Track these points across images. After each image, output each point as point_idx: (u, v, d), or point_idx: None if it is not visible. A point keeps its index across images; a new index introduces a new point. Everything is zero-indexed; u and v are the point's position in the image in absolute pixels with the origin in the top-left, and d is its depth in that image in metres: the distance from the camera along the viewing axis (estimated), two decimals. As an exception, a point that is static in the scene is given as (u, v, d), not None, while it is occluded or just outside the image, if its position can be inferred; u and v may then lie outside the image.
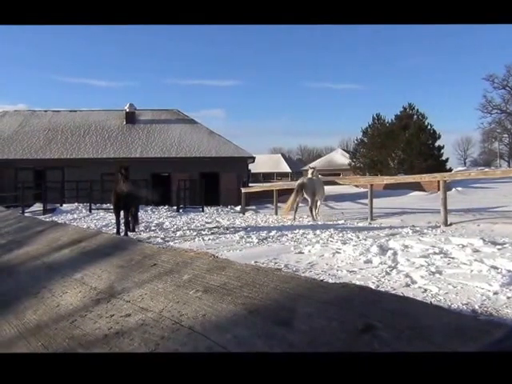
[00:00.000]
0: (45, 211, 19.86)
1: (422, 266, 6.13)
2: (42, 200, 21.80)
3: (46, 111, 33.48)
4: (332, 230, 11.14)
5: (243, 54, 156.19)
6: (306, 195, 15.13)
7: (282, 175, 65.72)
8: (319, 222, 13.21)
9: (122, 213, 12.19)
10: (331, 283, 0.61)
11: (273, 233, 11.25)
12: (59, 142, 29.27)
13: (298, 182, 15.92)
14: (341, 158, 57.04)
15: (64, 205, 22.62)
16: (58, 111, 33.54)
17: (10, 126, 30.66)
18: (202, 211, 21.66)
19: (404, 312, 0.50)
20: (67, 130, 30.52)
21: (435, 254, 6.86)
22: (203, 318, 0.62)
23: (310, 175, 16.35)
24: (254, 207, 22.54)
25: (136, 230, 12.66)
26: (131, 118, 31.44)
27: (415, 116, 38.74)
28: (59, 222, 1.97)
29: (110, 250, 1.19)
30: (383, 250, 7.22)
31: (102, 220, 16.49)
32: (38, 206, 21.32)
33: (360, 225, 12.44)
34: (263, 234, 11.15)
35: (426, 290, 5.02)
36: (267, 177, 62.50)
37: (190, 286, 0.74)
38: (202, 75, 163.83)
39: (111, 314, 0.75)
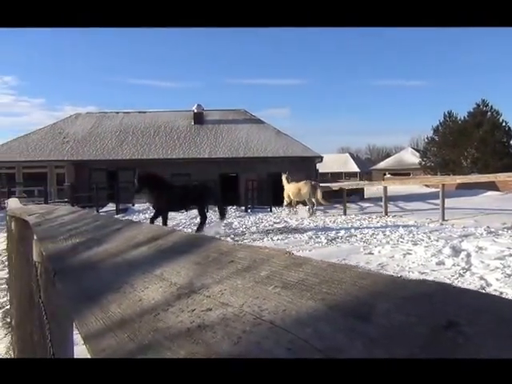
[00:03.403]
0: (117, 211, 20.66)
1: (498, 268, 5.88)
2: (115, 200, 22.66)
3: (117, 113, 34.41)
4: (402, 230, 10.89)
5: (308, 52, 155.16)
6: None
7: (350, 175, 64.69)
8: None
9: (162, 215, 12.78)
10: (408, 280, 0.61)
11: (341, 233, 11.16)
12: (130, 143, 30.19)
13: (310, 183, 18.95)
14: (411, 158, 55.17)
15: (136, 205, 23.40)
16: (128, 113, 34.37)
17: (83, 128, 31.84)
18: (270, 211, 21.73)
19: (486, 308, 0.49)
20: (137, 131, 31.40)
21: (511, 256, 6.56)
22: (283, 313, 0.63)
23: (284, 180, 19.92)
24: (322, 207, 22.36)
25: (202, 229, 12.88)
26: (199, 118, 31.96)
27: (489, 113, 36.94)
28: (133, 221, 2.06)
29: (186, 248, 1.22)
30: (456, 251, 6.99)
31: (173, 220, 16.96)
32: (111, 206, 22.19)
33: (431, 225, 12.06)
34: (332, 234, 11.09)
35: (501, 293, 4.81)
36: (335, 177, 61.71)
37: (268, 282, 0.76)
38: (266, 74, 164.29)
39: (192, 309, 0.77)
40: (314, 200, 18.23)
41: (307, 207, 18.47)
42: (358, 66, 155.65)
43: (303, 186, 18.59)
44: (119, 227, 1.97)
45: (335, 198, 22.86)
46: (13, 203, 7.15)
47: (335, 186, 26.37)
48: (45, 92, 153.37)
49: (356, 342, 0.51)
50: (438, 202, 14.06)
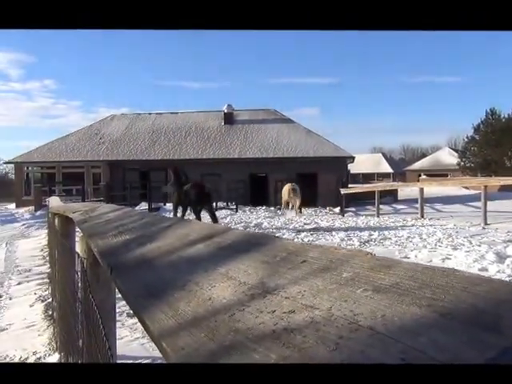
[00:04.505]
0: (150, 210, 20.92)
1: (546, 275, 5.66)
2: (147, 199, 23.06)
3: (149, 114, 34.85)
4: (440, 234, 10.62)
5: (339, 50, 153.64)
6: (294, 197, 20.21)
7: (382, 176, 63.57)
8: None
9: (180, 211, 13.62)
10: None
11: (375, 235, 10.97)
12: (162, 144, 30.57)
13: (289, 185, 20.50)
14: (448, 158, 53.74)
15: (167, 204, 23.64)
16: (161, 113, 34.76)
17: (118, 129, 32.46)
18: (300, 212, 21.65)
19: None
20: (169, 131, 31.77)
21: (561, 263, 6.31)
22: (383, 319, 0.58)
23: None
24: (353, 209, 22.10)
25: None
26: (229, 118, 32.05)
27: (537, 109, 35.63)
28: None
29: (247, 246, 1.19)
30: (500, 257, 6.74)
31: (203, 218, 17.04)
32: (143, 205, 22.55)
33: (472, 229, 11.70)
34: (365, 236, 10.91)
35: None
36: (367, 177, 60.86)
37: (354, 285, 0.71)
38: (295, 73, 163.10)
39: (272, 310, 0.73)
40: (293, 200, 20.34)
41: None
42: (392, 62, 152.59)
43: (286, 188, 20.57)
44: (168, 224, 1.95)
45: (367, 199, 22.59)
46: (54, 201, 7.32)
47: (368, 186, 26.04)
48: (81, 95, 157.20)
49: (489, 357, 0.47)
50: (479, 204, 13.66)
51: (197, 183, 14.34)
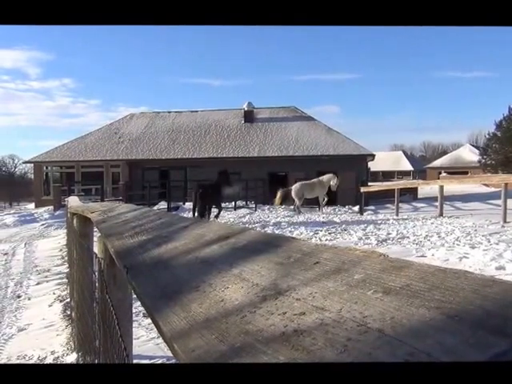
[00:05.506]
0: (169, 209, 21.02)
1: None
2: (167, 199, 23.14)
3: (169, 112, 34.83)
4: (458, 232, 10.51)
5: (359, 44, 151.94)
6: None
7: (403, 173, 62.85)
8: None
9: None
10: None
11: (393, 234, 10.90)
12: (182, 143, 30.55)
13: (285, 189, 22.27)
14: (469, 155, 52.92)
15: (186, 203, 23.72)
16: (180, 112, 34.71)
17: (137, 128, 32.49)
18: (319, 211, 21.58)
19: None
20: (189, 130, 31.70)
21: None
22: (392, 321, 0.58)
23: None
24: (373, 207, 21.94)
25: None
26: (249, 116, 31.89)
27: (561, 105, 34.94)
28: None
29: (262, 247, 1.20)
30: (519, 255, 6.65)
31: (221, 218, 17.08)
32: (162, 205, 22.64)
33: (491, 227, 11.56)
34: (383, 235, 10.86)
35: None
36: (387, 175, 60.29)
37: (365, 287, 0.71)
38: (315, 69, 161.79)
39: (283, 312, 0.74)
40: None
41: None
42: (414, 56, 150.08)
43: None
44: (186, 225, 1.96)
45: (387, 197, 22.39)
46: (73, 201, 7.40)
47: (388, 184, 25.79)
48: (100, 93, 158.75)
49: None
50: (499, 202, 13.47)
51: (201, 184, 14.63)
